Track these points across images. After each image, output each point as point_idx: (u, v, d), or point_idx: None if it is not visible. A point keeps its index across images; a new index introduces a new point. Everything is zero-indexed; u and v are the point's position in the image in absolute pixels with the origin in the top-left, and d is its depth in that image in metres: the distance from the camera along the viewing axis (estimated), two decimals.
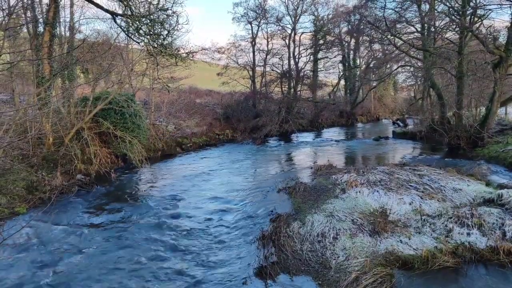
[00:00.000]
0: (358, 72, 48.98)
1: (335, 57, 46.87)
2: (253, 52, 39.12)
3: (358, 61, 49.90)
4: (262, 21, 38.89)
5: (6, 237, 7.50)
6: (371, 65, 44.82)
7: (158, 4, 17.08)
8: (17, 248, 10.48)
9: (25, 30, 22.08)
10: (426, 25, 29.02)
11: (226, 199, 15.16)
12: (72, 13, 24.14)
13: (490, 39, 23.52)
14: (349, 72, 48.81)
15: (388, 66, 44.67)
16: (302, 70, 40.23)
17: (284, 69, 40.01)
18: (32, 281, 8.85)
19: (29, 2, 19.31)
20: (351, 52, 49.38)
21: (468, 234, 9.86)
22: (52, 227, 12.02)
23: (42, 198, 14.35)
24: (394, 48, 31.52)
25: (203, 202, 14.85)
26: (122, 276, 9.07)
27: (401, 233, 10.09)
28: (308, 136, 35.29)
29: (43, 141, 18.02)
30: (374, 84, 47.09)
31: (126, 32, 17.46)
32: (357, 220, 10.98)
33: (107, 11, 17.40)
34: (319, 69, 44.81)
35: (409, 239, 9.81)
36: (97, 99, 20.24)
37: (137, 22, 16.66)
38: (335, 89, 48.25)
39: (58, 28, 20.91)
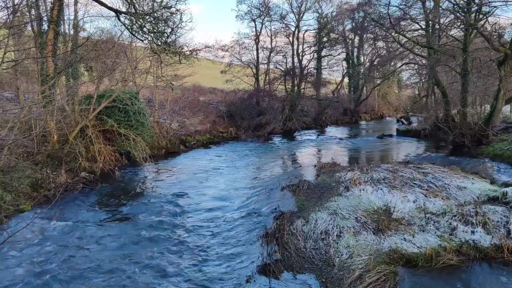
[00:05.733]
0: (362, 70, 48.84)
1: (339, 54, 46.87)
2: (257, 49, 39.10)
3: (362, 59, 49.79)
4: (265, 19, 38.90)
5: (11, 234, 7.56)
6: (375, 63, 44.69)
7: (161, 2, 17.11)
8: (22, 245, 10.55)
9: (29, 28, 22.18)
10: (430, 22, 28.91)
11: (230, 197, 15.18)
12: (76, 11, 24.22)
13: (495, 36, 23.38)
14: (353, 70, 48.71)
15: (392, 63, 44.57)
16: (306, 68, 40.16)
17: (287, 66, 39.98)
18: (37, 278, 8.90)
19: (34, 0, 19.37)
20: (355, 49, 49.30)
21: (473, 232, 9.83)
22: (57, 224, 12.08)
23: (46, 196, 14.41)
24: (399, 46, 31.45)
25: (206, 200, 14.88)
26: (126, 273, 9.11)
27: (405, 231, 10.07)
28: (311, 134, 35.27)
29: (48, 139, 18.11)
30: (378, 82, 46.98)
31: (130, 30, 17.50)
32: (361, 218, 10.97)
33: (111, 9, 17.44)
34: (322, 67, 44.76)
35: (413, 237, 9.79)
36: (101, 97, 20.30)
37: (141, 20, 16.70)
38: (339, 87, 48.17)
39: (62, 26, 21.04)
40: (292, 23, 40.46)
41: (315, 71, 42.37)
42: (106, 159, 19.27)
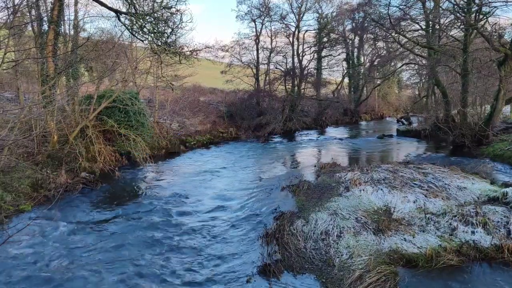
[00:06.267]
0: (362, 70, 48.85)
1: (339, 55, 46.86)
2: (257, 50, 39.11)
3: (362, 59, 49.79)
4: (266, 19, 38.92)
5: (12, 234, 7.56)
6: (375, 63, 44.69)
7: (162, 2, 17.12)
8: (23, 245, 10.55)
9: (29, 28, 22.16)
10: (430, 22, 28.91)
11: (230, 197, 15.18)
12: (76, 12, 24.24)
13: (495, 37, 23.38)
14: (353, 70, 48.73)
15: (393, 64, 44.55)
16: (306, 68, 40.19)
17: (288, 67, 40.00)
18: (37, 278, 8.91)
19: (34, 0, 19.38)
20: (355, 50, 49.31)
21: (473, 232, 9.83)
22: (57, 224, 12.09)
23: (47, 196, 14.42)
24: (399, 46, 31.43)
25: (206, 200, 14.88)
26: (126, 273, 9.11)
27: (405, 232, 10.07)
28: (312, 134, 35.27)
29: (48, 139, 18.11)
30: (378, 82, 46.98)
31: (130, 30, 17.51)
32: (361, 218, 10.97)
33: (111, 9, 17.45)
34: (323, 67, 44.76)
35: (413, 237, 9.79)
36: (101, 97, 20.31)
37: (141, 20, 16.71)
38: (339, 87, 48.18)
39: (62, 26, 21.03)
40: (292, 24, 40.55)
41: (315, 71, 42.40)
42: (106, 159, 19.26)
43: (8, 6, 14.48)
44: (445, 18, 28.29)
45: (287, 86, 38.66)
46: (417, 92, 45.98)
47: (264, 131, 32.72)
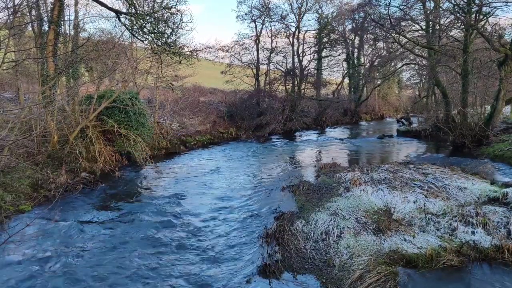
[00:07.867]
0: (362, 70, 48.87)
1: (339, 55, 46.91)
2: (257, 50, 39.13)
3: (362, 59, 49.80)
4: (266, 19, 38.96)
5: (12, 234, 7.55)
6: (376, 63, 44.70)
7: (162, 2, 17.14)
8: (22, 245, 10.55)
9: (30, 28, 22.21)
10: (431, 23, 28.93)
11: (230, 197, 15.17)
12: (76, 12, 24.30)
13: (495, 37, 23.39)
14: (353, 70, 48.75)
15: (393, 64, 44.56)
16: (306, 68, 40.22)
17: (288, 67, 40.02)
18: (36, 279, 8.90)
19: (34, 0, 19.40)
20: (355, 50, 49.32)
21: (473, 233, 9.83)
22: (57, 224, 12.08)
23: (47, 196, 14.40)
24: (399, 46, 31.43)
25: (206, 200, 14.87)
26: (126, 274, 9.11)
27: (405, 232, 10.07)
28: (312, 135, 35.26)
29: (48, 139, 18.12)
30: (378, 82, 46.99)
31: (130, 31, 17.54)
32: (361, 218, 10.96)
33: (111, 9, 17.47)
34: (323, 67, 44.83)
35: (413, 237, 9.78)
36: (102, 97, 20.30)
37: (141, 21, 16.72)
38: (339, 87, 48.21)
39: (62, 26, 21.07)
40: (293, 24, 40.62)
41: (315, 71, 42.44)
42: (107, 159, 19.25)
43: (8, 6, 14.51)
44: (445, 19, 28.35)
45: (287, 86, 38.68)
46: (417, 92, 45.99)
47: (264, 131, 32.73)
